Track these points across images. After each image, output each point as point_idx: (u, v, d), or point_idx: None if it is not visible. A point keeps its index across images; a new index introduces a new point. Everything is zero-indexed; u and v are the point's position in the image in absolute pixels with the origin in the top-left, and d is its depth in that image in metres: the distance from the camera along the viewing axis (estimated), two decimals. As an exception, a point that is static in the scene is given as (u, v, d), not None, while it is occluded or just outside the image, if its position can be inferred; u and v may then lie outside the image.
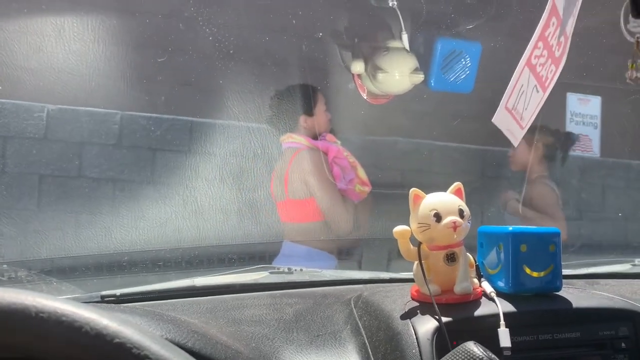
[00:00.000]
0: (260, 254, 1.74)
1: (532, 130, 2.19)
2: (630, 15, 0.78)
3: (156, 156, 2.68)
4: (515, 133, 1.04)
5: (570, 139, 2.54)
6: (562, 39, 0.99)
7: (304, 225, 1.98)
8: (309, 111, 1.93)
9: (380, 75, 1.17)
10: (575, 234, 2.24)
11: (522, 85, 0.97)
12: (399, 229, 0.69)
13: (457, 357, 0.47)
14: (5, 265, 0.85)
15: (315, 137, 1.99)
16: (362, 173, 1.97)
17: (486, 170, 2.99)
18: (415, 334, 0.64)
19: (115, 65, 2.21)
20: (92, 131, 2.60)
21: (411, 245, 0.70)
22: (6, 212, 2.44)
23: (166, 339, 0.56)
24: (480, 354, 0.47)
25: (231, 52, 2.17)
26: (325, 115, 1.98)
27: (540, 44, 0.95)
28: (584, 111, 3.02)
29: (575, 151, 2.91)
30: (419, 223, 0.69)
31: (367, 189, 1.94)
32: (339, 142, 2.01)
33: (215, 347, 0.64)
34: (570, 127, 2.94)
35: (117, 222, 2.15)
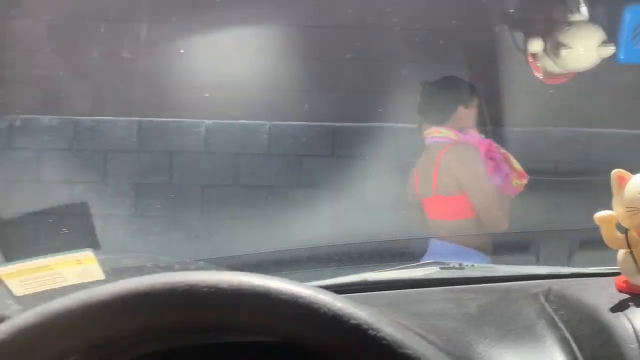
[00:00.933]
0: (403, 251, 1.73)
1: None
2: None
3: (303, 162, 2.79)
4: None
5: None
6: None
7: (452, 223, 1.92)
8: (460, 104, 1.88)
9: (564, 52, 1.10)
10: None
11: None
12: (602, 214, 0.64)
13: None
14: (201, 262, 0.93)
15: (460, 131, 1.93)
16: (517, 165, 1.87)
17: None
18: (634, 328, 0.59)
19: (266, 78, 2.34)
20: (244, 142, 2.78)
21: (618, 232, 0.64)
22: (175, 220, 2.69)
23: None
24: None
25: (376, 54, 2.20)
26: (475, 109, 1.91)
27: None
28: None
29: None
30: (627, 207, 0.63)
31: (524, 181, 1.83)
32: (482, 135, 1.93)
33: (413, 337, 0.64)
34: None
35: (271, 225, 2.26)
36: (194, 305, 0.41)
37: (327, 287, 1.02)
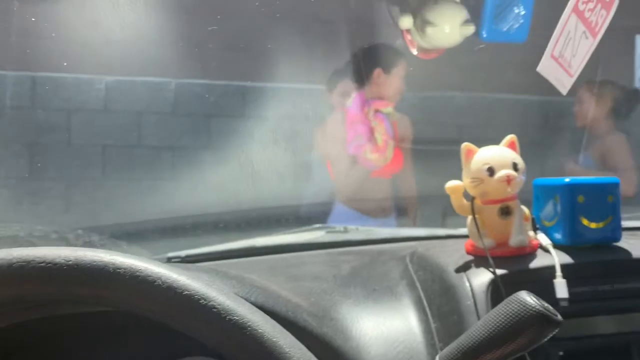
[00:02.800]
0: (314, 215, 1.77)
1: (596, 82, 2.09)
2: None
3: (211, 122, 2.74)
4: (564, 81, 1.01)
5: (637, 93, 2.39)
6: (614, -19, 0.94)
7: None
8: (376, 69, 1.88)
9: (430, 29, 1.14)
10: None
11: (568, 32, 0.94)
12: (451, 184, 0.70)
13: (510, 307, 0.48)
14: (80, 231, 0.91)
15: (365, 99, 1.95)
16: (379, 139, 1.87)
17: (549, 121, 2.89)
18: (471, 286, 0.65)
19: (167, 34, 2.25)
20: (148, 101, 2.68)
21: (465, 201, 0.70)
22: (74, 182, 2.59)
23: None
24: (533, 302, 0.47)
25: (278, 15, 2.17)
26: (397, 77, 1.91)
27: (588, -12, 0.91)
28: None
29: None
30: (471, 178, 0.69)
31: (379, 156, 1.85)
32: (389, 108, 1.93)
33: (277, 300, 0.67)
34: (640, 72, 2.79)
35: (178, 187, 2.23)
36: (30, 280, 0.42)
37: (216, 253, 1.04)
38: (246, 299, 0.62)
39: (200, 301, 0.41)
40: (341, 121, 1.86)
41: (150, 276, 0.41)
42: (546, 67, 0.95)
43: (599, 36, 0.99)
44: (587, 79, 2.12)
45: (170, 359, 0.66)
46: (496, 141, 0.72)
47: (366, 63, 1.93)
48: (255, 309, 0.43)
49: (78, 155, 2.59)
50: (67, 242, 0.91)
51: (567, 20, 0.94)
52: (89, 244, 1.01)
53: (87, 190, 2.49)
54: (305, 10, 2.33)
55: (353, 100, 1.85)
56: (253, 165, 1.75)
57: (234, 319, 0.41)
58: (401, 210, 1.76)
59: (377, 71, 1.89)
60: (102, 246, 1.03)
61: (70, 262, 0.41)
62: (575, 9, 0.94)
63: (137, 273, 0.42)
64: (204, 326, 0.41)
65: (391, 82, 1.92)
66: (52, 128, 2.55)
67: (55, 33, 2.38)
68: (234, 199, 1.51)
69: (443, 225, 1.16)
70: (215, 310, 0.41)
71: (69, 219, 2.36)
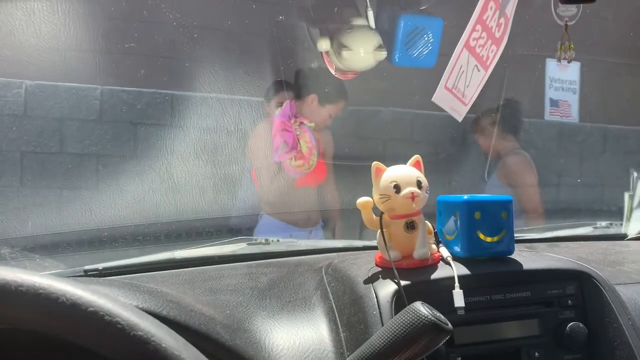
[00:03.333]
0: (238, 227, 1.77)
1: (490, 109, 2.22)
2: (559, 1, 0.83)
3: (138, 130, 2.68)
4: (458, 110, 1.08)
5: (513, 106, 2.54)
6: (502, 20, 1.03)
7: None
8: (300, 91, 1.92)
9: (345, 53, 1.20)
10: (543, 199, 2.31)
11: (461, 66, 1.01)
12: (361, 200, 0.74)
13: (406, 317, 0.52)
14: (-11, 244, 0.88)
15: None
16: (304, 147, 1.92)
17: (467, 137, 3.03)
18: (377, 297, 0.69)
19: (93, 40, 2.20)
20: (72, 107, 2.59)
21: (374, 215, 0.75)
22: (-12, 190, 2.45)
23: (141, 308, 0.60)
24: (426, 312, 0.51)
25: (207, 25, 2.17)
26: (313, 105, 1.95)
27: (478, 27, 0.99)
28: (563, 77, 3.06)
29: (554, 116, 2.97)
30: (380, 194, 0.73)
31: (303, 164, 1.90)
32: (312, 123, 1.95)
33: (190, 314, 0.68)
34: (550, 92, 2.99)
35: (98, 198, 2.17)
36: None
37: (134, 266, 1.03)
38: (157, 313, 0.63)
39: (105, 317, 0.42)
40: (267, 130, 1.88)
41: (53, 293, 0.42)
42: (441, 97, 1.01)
43: (491, 68, 1.08)
44: (487, 107, 2.24)
45: None
46: (412, 155, 0.77)
47: (305, 83, 1.97)
48: (159, 323, 0.44)
49: (-8, 161, 2.46)
50: (-26, 256, 0.88)
51: (460, 55, 1.02)
52: (-1, 257, 0.97)
53: (1, 200, 2.37)
54: (235, 22, 2.33)
55: (282, 109, 1.88)
56: (174, 177, 1.74)
57: (138, 334, 0.42)
58: (325, 221, 1.80)
59: (312, 97, 1.94)
60: (13, 259, 1.00)
61: (-31, 280, 0.41)
62: (467, 45, 1.01)
63: (40, 291, 0.42)
64: (110, 342, 0.42)
65: (320, 112, 1.97)
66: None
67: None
68: (154, 211, 1.49)
69: (361, 237, 1.21)
70: (119, 326, 0.42)
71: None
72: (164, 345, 0.42)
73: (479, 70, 1.02)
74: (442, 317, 0.53)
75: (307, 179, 1.86)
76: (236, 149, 2.04)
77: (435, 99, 1.00)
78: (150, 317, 0.44)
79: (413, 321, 0.52)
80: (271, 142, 1.89)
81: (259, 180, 1.90)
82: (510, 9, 1.03)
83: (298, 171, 1.83)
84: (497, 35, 1.03)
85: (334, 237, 1.80)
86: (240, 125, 1.97)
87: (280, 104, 1.90)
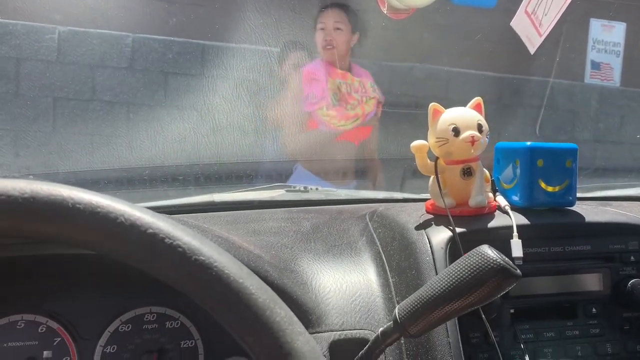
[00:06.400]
0: (277, 173, 1.76)
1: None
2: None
3: (168, 79, 2.67)
4: (533, 40, 1.01)
5: None
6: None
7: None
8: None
9: None
10: (591, 158, 2.23)
11: None
12: (416, 143, 0.70)
13: (472, 260, 0.49)
14: (31, 177, 0.87)
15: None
16: (333, 99, 1.85)
17: (503, 98, 2.95)
18: (430, 243, 0.67)
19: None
20: (104, 54, 2.58)
21: (428, 160, 0.71)
22: (22, 134, 2.47)
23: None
24: (495, 256, 0.48)
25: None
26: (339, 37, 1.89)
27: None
28: (607, 38, 2.93)
29: (595, 79, 2.87)
30: (437, 137, 0.69)
31: (335, 115, 1.83)
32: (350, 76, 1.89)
33: (238, 250, 0.66)
34: (592, 54, 2.87)
35: (134, 140, 2.17)
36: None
37: (173, 207, 1.02)
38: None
39: (165, 240, 0.40)
40: (296, 78, 1.82)
41: (112, 213, 0.40)
42: (519, 23, 0.95)
43: (570, -1, 1.00)
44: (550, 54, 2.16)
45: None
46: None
47: None
48: (222, 250, 0.42)
49: (27, 106, 2.47)
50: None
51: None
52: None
53: (37, 142, 2.39)
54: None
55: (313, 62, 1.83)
56: (216, 118, 1.71)
57: (200, 259, 0.40)
58: (362, 174, 1.75)
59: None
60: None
61: (26, 195, 0.39)
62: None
63: (98, 209, 0.40)
64: (169, 266, 0.40)
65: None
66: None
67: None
68: (193, 153, 1.47)
69: (401, 189, 1.18)
70: (180, 249, 0.40)
71: (19, 163, 2.26)
72: (226, 272, 0.40)
73: (558, -4, 0.95)
74: (509, 261, 0.50)
75: (352, 133, 1.81)
76: (278, 91, 1.99)
77: (514, 24, 0.94)
78: (212, 243, 0.42)
79: (480, 264, 0.49)
80: (301, 91, 1.84)
81: (292, 128, 1.85)
82: None
83: (330, 124, 1.77)
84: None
85: (373, 188, 1.75)
86: (277, 73, 1.92)
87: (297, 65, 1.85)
